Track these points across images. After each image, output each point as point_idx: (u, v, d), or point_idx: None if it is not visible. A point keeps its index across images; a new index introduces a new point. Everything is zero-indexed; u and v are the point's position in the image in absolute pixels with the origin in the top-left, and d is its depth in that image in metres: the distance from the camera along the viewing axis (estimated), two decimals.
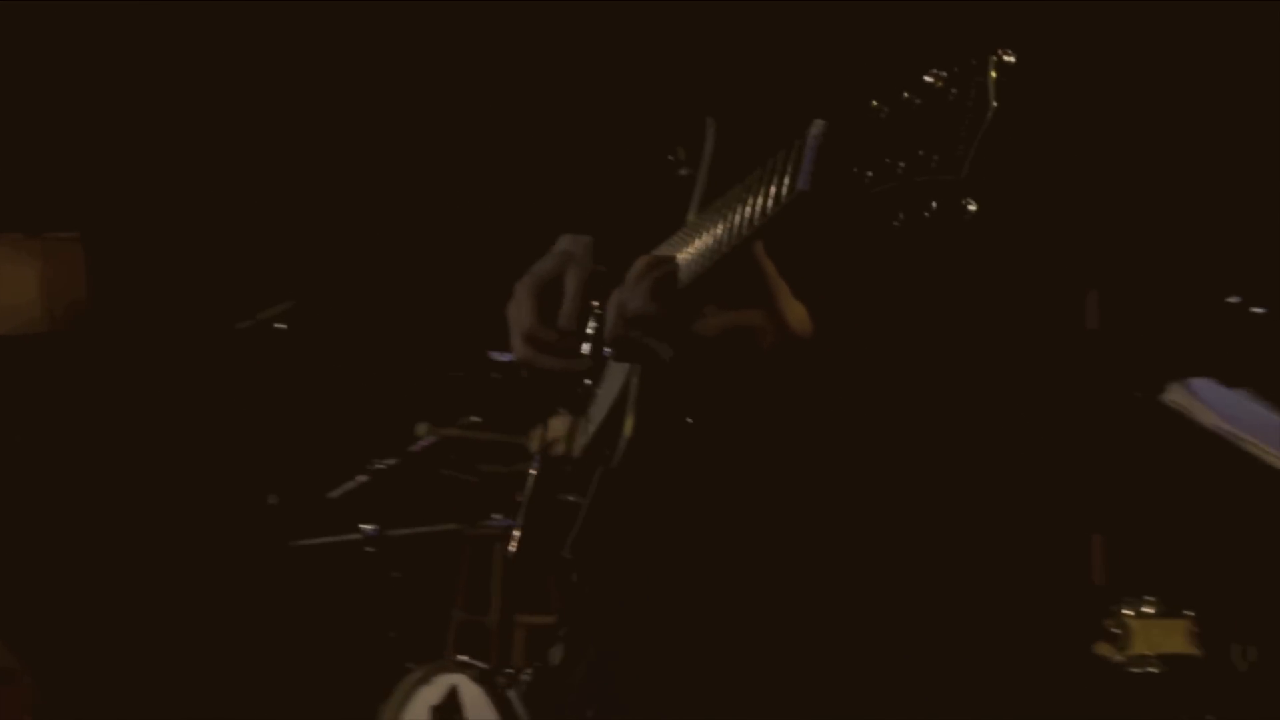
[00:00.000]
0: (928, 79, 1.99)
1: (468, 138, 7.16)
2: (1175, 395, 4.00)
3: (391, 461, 6.35)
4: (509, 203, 6.89)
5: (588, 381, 2.64)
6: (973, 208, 1.97)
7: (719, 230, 2.29)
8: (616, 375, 2.52)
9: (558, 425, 6.12)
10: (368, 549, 6.24)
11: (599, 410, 2.57)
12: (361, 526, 6.20)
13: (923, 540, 2.42)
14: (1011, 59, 1.95)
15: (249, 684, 6.78)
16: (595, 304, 2.51)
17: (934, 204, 1.98)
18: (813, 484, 2.40)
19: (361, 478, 6.40)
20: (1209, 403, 4.03)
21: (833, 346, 2.33)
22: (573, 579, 2.92)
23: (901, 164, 1.99)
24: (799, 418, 2.40)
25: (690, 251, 2.33)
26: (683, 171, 2.52)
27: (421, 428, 6.27)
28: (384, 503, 6.34)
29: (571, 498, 2.59)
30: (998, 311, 2.40)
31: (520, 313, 2.56)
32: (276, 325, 6.53)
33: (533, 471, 2.74)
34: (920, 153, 1.98)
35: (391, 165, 7.33)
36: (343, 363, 7.21)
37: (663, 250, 2.40)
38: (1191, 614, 4.79)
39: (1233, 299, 4.54)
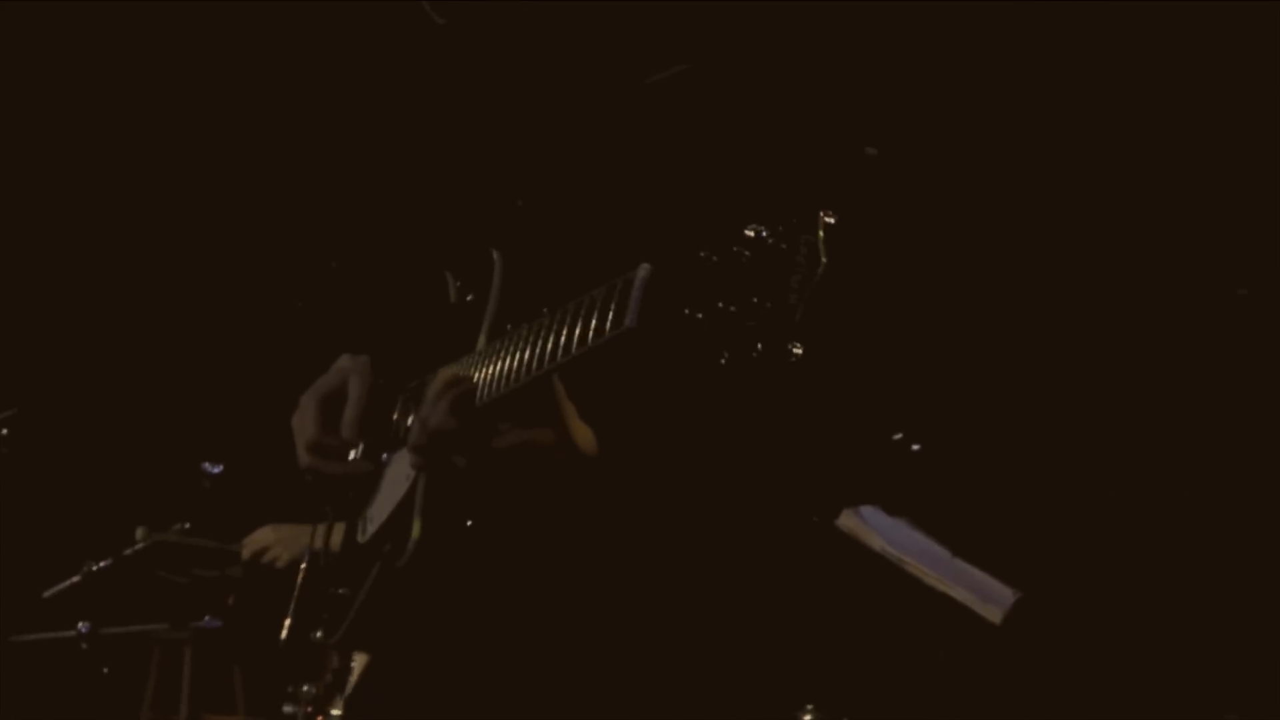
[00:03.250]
0: (751, 233, 2.11)
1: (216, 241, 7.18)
2: (847, 520, 4.20)
3: (107, 563, 6.33)
4: (254, 318, 6.92)
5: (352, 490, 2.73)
6: (798, 350, 2.12)
7: (524, 356, 2.37)
8: (398, 481, 2.62)
9: (264, 535, 6.14)
10: (82, 645, 6.21)
11: (379, 512, 2.66)
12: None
13: (656, 636, 2.57)
14: (833, 220, 2.12)
15: None
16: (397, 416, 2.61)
17: (760, 345, 2.11)
18: (579, 584, 2.54)
19: (76, 578, 6.36)
20: (876, 528, 4.24)
21: (614, 465, 2.46)
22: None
23: (733, 308, 2.09)
24: (573, 525, 2.53)
25: (490, 373, 2.44)
26: (463, 297, 2.63)
27: (140, 532, 6.27)
28: (99, 602, 6.31)
29: (342, 590, 2.67)
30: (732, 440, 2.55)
31: (305, 422, 2.64)
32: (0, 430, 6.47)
33: (304, 565, 2.81)
34: (754, 299, 2.09)
35: (114, 273, 7.30)
36: (64, 469, 7.14)
37: (455, 369, 2.52)
38: None
39: (896, 436, 4.78)
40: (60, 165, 7.26)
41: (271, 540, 5.96)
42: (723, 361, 2.10)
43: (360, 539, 2.67)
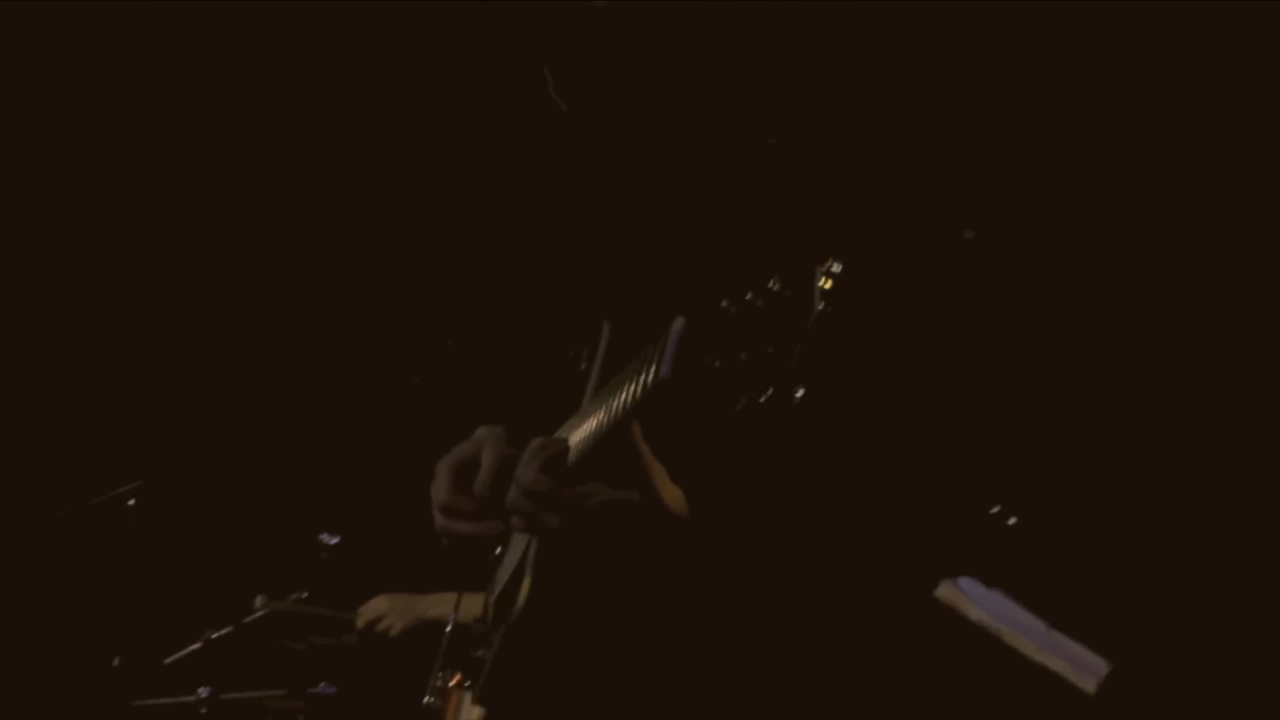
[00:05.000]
0: (771, 284, 2.17)
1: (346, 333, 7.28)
2: (945, 591, 4.21)
3: (227, 630, 6.42)
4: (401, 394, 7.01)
5: (498, 550, 2.79)
6: (800, 394, 2.16)
7: (602, 414, 2.45)
8: (519, 545, 2.67)
9: (379, 604, 6.22)
10: (201, 710, 6.28)
11: (504, 573, 2.72)
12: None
13: (759, 698, 2.60)
14: (838, 268, 2.16)
15: None
16: None
17: (770, 390, 2.17)
18: (682, 640, 2.58)
19: (197, 644, 6.45)
20: (974, 599, 4.25)
21: (705, 525, 2.51)
22: None
23: (744, 355, 2.16)
24: (671, 584, 2.57)
25: (580, 433, 2.51)
26: (583, 366, 2.70)
27: (259, 600, 6.36)
28: (219, 668, 6.38)
29: (480, 653, 2.72)
30: (811, 504, 2.59)
31: (439, 486, 2.70)
32: (128, 502, 6.59)
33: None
34: (760, 346, 2.16)
35: (238, 351, 7.42)
36: (187, 539, 7.25)
37: (559, 433, 2.58)
38: None
39: (994, 510, 4.79)
40: (186, 233, 7.39)
41: (385, 609, 6.04)
42: (739, 407, 2.15)
43: (490, 601, 2.73)
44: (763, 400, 2.13)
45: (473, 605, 2.92)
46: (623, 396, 2.37)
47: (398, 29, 6.76)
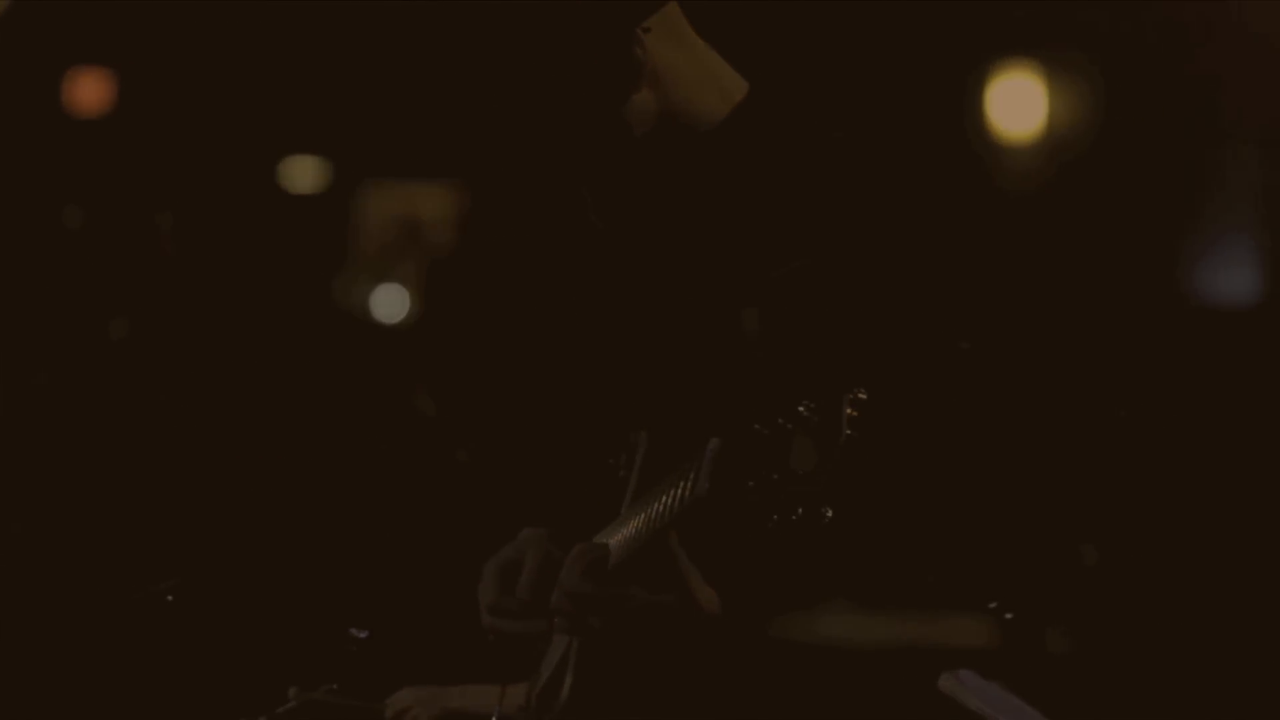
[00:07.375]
0: (801, 408, 2.36)
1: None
2: (946, 682, 4.41)
3: None
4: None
5: (540, 646, 2.98)
6: (830, 514, 2.36)
7: (640, 522, 2.64)
8: (560, 642, 2.87)
9: (405, 696, 6.40)
10: None
11: (547, 668, 2.91)
12: None
13: None
14: (864, 395, 2.36)
15: None
16: None
17: (800, 510, 2.36)
18: None
19: None
20: (972, 689, 4.45)
21: (738, 626, 2.70)
22: None
23: (775, 476, 2.33)
24: (706, 681, 2.77)
25: (619, 539, 2.71)
26: (620, 474, 2.90)
27: (292, 691, 6.50)
28: None
29: None
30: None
31: (486, 587, 2.90)
32: (166, 598, 6.75)
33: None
34: (791, 468, 2.33)
35: (265, 453, 7.60)
36: (223, 634, 7.42)
37: (599, 538, 2.78)
38: None
39: (991, 605, 4.98)
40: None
41: (411, 700, 6.20)
42: (771, 524, 2.34)
43: (534, 693, 2.92)
44: (794, 519, 2.33)
45: (509, 696, 3.11)
46: (660, 509, 2.55)
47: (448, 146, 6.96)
